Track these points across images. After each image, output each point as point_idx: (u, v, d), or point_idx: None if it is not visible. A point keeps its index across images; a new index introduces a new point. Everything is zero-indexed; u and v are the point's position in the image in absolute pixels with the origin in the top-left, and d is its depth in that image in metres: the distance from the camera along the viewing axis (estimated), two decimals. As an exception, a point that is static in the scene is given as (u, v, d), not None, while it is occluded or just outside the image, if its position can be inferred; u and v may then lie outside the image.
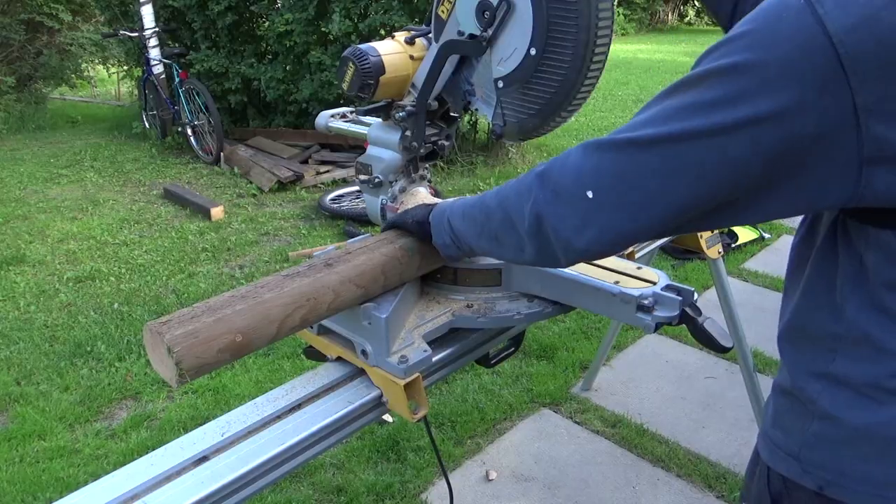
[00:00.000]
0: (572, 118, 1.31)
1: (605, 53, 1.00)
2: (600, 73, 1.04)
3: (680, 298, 1.00)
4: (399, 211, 1.18)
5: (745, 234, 3.89)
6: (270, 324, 0.86)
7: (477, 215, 0.89)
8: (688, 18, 19.93)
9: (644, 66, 11.19)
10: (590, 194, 0.70)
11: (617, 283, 1.05)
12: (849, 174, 0.57)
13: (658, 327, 1.00)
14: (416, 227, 1.04)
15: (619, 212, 0.69)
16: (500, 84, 1.08)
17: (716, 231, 1.90)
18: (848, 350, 0.68)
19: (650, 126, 0.65)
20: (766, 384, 2.43)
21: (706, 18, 19.98)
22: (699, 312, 1.01)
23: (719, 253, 1.93)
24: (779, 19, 0.56)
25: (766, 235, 3.98)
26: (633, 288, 1.02)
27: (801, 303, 0.73)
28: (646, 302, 0.99)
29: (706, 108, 0.60)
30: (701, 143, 0.61)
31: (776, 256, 3.76)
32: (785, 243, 3.93)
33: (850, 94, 0.54)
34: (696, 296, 1.03)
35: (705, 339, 1.00)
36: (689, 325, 1.01)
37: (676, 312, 1.00)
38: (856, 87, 0.53)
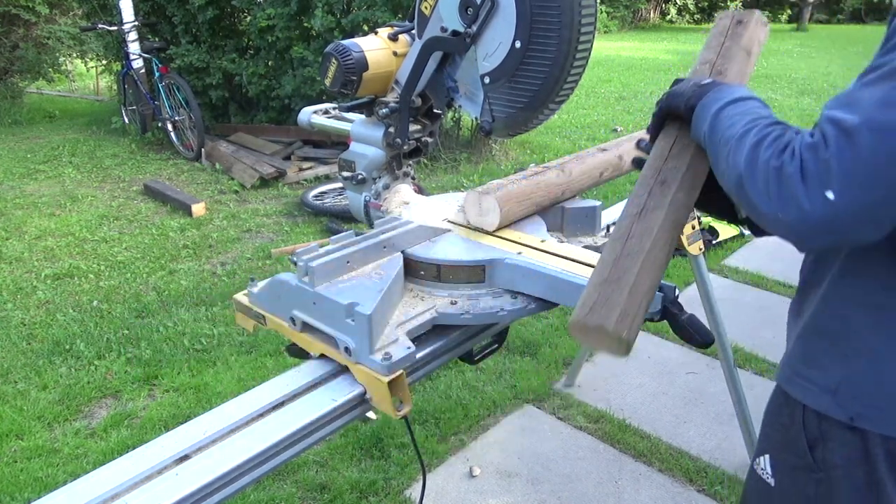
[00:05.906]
0: (555, 115, 1.30)
1: (590, 45, 1.01)
2: (585, 64, 1.05)
3: (662, 294, 1.01)
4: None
5: (725, 231, 3.93)
6: (661, 269, 0.86)
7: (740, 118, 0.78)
8: (669, 16, 20.07)
9: (626, 63, 11.25)
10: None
11: (600, 279, 1.05)
12: None
13: (640, 323, 1.01)
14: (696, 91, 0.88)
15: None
16: (487, 80, 1.08)
17: (697, 228, 1.92)
18: None
19: None
20: (745, 379, 2.46)
21: (687, 17, 20.13)
22: (681, 308, 1.02)
23: (700, 250, 1.94)
24: None
25: (746, 232, 4.03)
26: (616, 284, 1.03)
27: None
28: (628, 298, 1.00)
29: None
30: None
31: (756, 253, 3.81)
32: (764, 241, 3.97)
33: None
34: (677, 292, 1.04)
35: (686, 335, 1.01)
36: (671, 321, 1.02)
37: (658, 308, 1.01)
38: None
